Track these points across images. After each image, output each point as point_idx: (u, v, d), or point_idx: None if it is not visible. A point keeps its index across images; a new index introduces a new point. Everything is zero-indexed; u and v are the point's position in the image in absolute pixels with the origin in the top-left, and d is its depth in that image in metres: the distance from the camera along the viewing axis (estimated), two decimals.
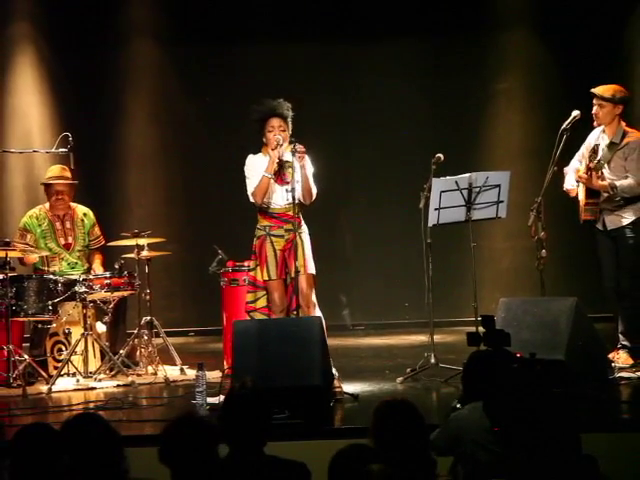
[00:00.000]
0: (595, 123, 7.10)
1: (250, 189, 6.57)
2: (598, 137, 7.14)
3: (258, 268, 6.60)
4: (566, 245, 9.29)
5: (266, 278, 6.56)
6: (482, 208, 6.93)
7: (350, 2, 10.18)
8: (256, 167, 6.56)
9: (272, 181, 6.50)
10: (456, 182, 6.86)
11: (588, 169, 6.96)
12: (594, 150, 6.94)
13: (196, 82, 10.33)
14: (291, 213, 6.47)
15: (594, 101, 7.06)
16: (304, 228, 6.62)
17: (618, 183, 6.91)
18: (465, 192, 6.86)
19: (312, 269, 6.54)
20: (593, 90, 7.08)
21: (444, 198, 6.83)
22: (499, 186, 6.88)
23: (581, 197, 7.09)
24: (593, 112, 7.06)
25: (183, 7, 10.25)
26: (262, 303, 6.67)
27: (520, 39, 10.12)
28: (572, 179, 7.18)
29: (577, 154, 7.24)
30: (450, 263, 9.10)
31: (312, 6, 10.14)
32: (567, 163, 7.25)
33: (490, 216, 7.00)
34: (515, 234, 9.48)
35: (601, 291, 7.21)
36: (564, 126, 6.96)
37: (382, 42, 10.18)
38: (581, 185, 7.09)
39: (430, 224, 6.91)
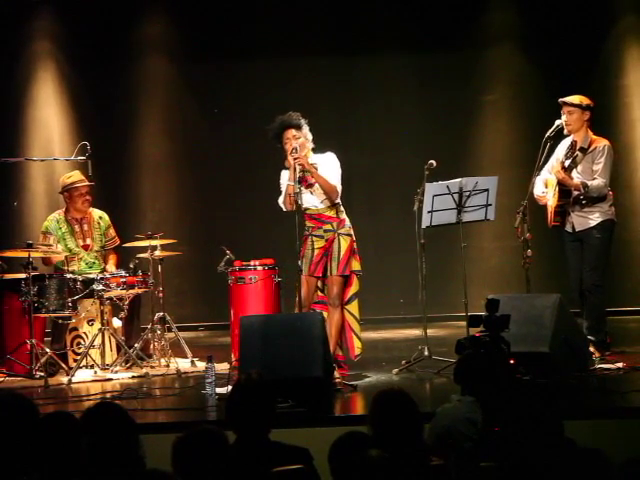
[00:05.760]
0: (565, 131, 7.04)
1: (280, 200, 6.60)
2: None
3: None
4: (550, 245, 9.23)
5: (300, 270, 6.50)
6: (472, 211, 6.91)
7: (350, 22, 10.17)
8: (284, 179, 6.58)
9: (298, 187, 6.42)
10: (447, 187, 6.84)
11: (563, 167, 6.94)
12: (572, 146, 6.96)
13: (206, 95, 10.31)
14: (327, 214, 6.52)
15: (563, 109, 7.01)
16: (346, 229, 6.61)
17: (589, 182, 6.90)
18: (456, 196, 6.84)
19: (345, 271, 6.51)
20: (561, 99, 7.06)
21: (436, 201, 6.82)
22: (487, 190, 6.86)
23: (552, 202, 7.03)
24: (564, 121, 7.00)
25: (195, 25, 10.24)
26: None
27: (506, 54, 10.10)
28: (541, 187, 7.09)
29: (546, 166, 7.12)
30: (442, 262, 9.06)
31: (317, 25, 10.15)
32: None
33: (479, 218, 6.98)
34: (502, 235, 9.45)
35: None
36: (547, 134, 6.98)
37: (378, 58, 10.16)
38: (551, 191, 7.03)
39: (423, 226, 6.91)
